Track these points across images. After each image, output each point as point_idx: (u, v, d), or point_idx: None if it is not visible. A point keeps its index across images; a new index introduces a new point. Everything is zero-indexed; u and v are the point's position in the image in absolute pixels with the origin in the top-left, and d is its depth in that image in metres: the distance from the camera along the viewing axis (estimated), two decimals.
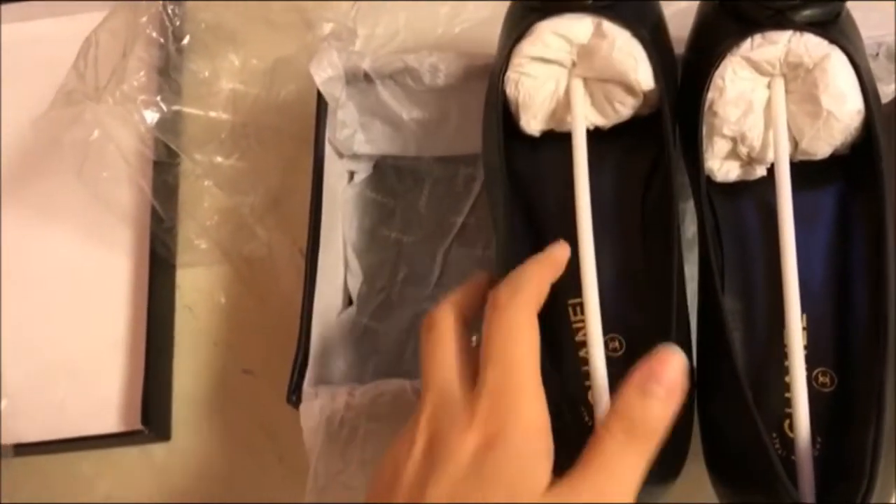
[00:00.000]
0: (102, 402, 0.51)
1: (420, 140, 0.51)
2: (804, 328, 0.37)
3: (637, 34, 0.38)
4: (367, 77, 0.48)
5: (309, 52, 0.49)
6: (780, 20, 0.37)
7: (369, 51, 0.54)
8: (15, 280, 0.55)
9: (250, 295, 0.53)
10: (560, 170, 0.39)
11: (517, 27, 0.39)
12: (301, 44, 0.56)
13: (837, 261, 0.38)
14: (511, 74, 0.39)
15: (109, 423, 0.51)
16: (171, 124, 0.53)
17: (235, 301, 0.54)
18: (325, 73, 0.47)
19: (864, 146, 0.37)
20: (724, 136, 0.38)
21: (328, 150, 0.49)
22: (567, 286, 0.36)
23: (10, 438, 0.50)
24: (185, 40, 0.57)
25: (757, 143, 0.38)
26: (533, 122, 0.40)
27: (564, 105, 0.39)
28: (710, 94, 0.38)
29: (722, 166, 0.39)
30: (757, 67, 0.38)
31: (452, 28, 0.56)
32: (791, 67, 0.37)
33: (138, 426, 0.48)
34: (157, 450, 0.51)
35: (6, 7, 0.60)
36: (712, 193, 0.39)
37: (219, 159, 0.55)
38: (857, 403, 0.35)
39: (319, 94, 0.47)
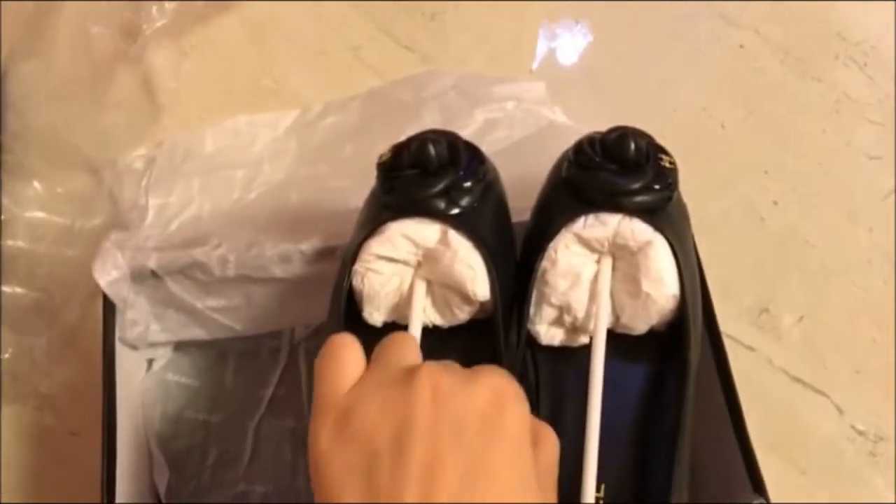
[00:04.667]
0: None
1: (218, 324, 0.50)
2: (600, 498, 0.39)
3: (479, 245, 0.40)
4: (154, 274, 0.47)
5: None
6: (614, 203, 0.40)
7: (161, 222, 0.53)
8: None
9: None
10: None
11: (370, 222, 0.41)
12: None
13: (642, 431, 0.41)
14: (358, 268, 0.40)
15: None
16: None
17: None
18: (110, 275, 0.46)
19: (678, 326, 0.40)
20: (551, 305, 0.41)
21: (120, 347, 0.47)
22: None
23: None
24: None
25: (581, 315, 0.41)
26: (376, 314, 0.41)
27: (407, 301, 0.41)
28: (543, 264, 0.40)
29: (548, 331, 0.41)
30: (587, 244, 0.41)
31: (248, 192, 0.56)
32: (618, 248, 0.40)
33: None
34: None
35: None
36: (537, 354, 0.42)
37: (7, 290, 0.53)
38: None
39: (105, 297, 0.46)
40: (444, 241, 0.40)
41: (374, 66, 0.61)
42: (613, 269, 0.41)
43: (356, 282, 0.40)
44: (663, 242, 0.40)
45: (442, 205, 0.40)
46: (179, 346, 0.52)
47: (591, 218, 0.40)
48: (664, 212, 0.41)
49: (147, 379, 0.50)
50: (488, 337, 0.41)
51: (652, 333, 0.41)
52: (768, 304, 0.55)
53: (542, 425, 0.33)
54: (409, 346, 0.34)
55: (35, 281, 0.54)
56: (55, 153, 0.54)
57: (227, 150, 0.58)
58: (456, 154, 0.42)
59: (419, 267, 0.41)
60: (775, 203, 0.58)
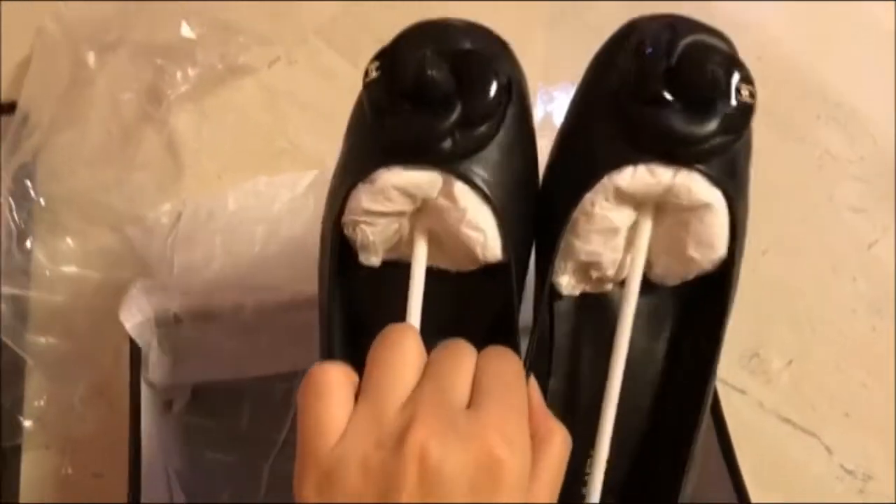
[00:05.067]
0: None
1: (235, 365, 0.53)
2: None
3: (492, 199, 0.33)
4: (176, 317, 0.50)
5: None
6: (673, 153, 0.33)
7: (185, 279, 0.57)
8: None
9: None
10: (402, 300, 0.35)
11: (358, 165, 0.34)
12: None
13: (659, 401, 0.38)
14: (346, 220, 0.35)
15: None
16: (11, 311, 0.54)
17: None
18: (135, 318, 0.49)
19: (718, 282, 0.35)
20: (578, 259, 0.36)
21: (145, 388, 0.51)
22: None
23: None
24: (29, 242, 0.59)
25: (610, 271, 0.36)
26: (373, 258, 0.36)
27: (409, 241, 0.35)
28: (576, 215, 0.34)
29: (570, 282, 0.37)
30: (631, 198, 0.34)
31: (268, 247, 0.60)
32: (666, 199, 0.34)
33: None
34: None
35: None
36: (555, 302, 0.38)
37: (43, 340, 0.56)
38: None
39: (132, 339, 0.50)
40: (448, 194, 0.33)
41: None
42: (655, 220, 0.35)
43: (347, 231, 0.35)
44: (722, 203, 0.33)
45: (446, 148, 0.32)
46: (198, 388, 0.55)
47: (641, 168, 0.33)
48: (729, 160, 0.33)
49: (168, 419, 0.53)
50: (501, 283, 0.35)
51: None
52: (759, 349, 0.58)
53: (553, 426, 0.31)
54: (407, 359, 0.30)
55: (70, 332, 0.57)
56: (89, 212, 0.59)
57: (249, 209, 0.62)
58: (465, 76, 0.33)
59: (420, 213, 0.35)
60: (764, 253, 0.61)
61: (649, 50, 0.33)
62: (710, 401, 0.36)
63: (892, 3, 0.70)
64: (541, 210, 0.36)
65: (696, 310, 0.38)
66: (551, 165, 0.37)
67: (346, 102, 0.37)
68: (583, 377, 0.38)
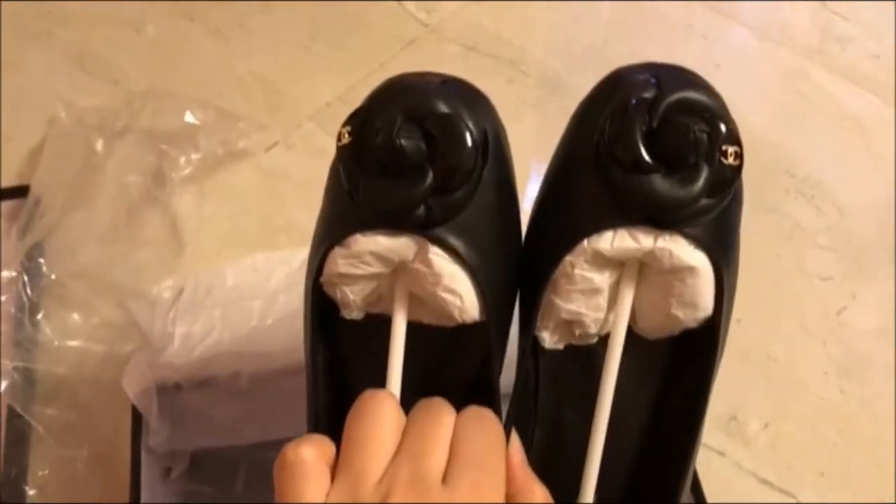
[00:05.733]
0: None
1: (232, 432, 0.56)
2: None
3: (468, 264, 0.33)
4: (176, 385, 0.53)
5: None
6: (654, 220, 0.32)
7: (185, 350, 0.60)
8: None
9: None
10: (386, 352, 0.34)
11: (332, 228, 0.34)
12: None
13: (648, 441, 0.37)
14: (325, 281, 0.35)
15: None
16: (20, 381, 0.57)
17: None
18: (137, 386, 0.52)
19: (703, 338, 0.35)
20: (560, 317, 0.35)
21: (146, 455, 0.53)
22: None
23: None
24: (39, 315, 0.61)
25: (593, 329, 0.35)
26: (354, 314, 0.36)
27: (389, 297, 0.35)
28: (556, 276, 0.34)
29: (552, 339, 0.36)
30: (612, 261, 0.34)
31: (265, 320, 0.62)
32: (649, 264, 0.34)
33: None
34: None
35: None
36: (539, 355, 0.37)
37: (49, 410, 0.59)
38: None
39: (133, 407, 0.52)
40: (423, 259, 0.33)
41: None
42: (639, 279, 0.34)
43: (327, 289, 0.35)
44: (707, 265, 0.33)
45: (420, 216, 0.32)
46: (196, 455, 0.57)
47: (621, 232, 0.32)
48: (715, 221, 0.33)
49: (167, 486, 0.56)
50: (481, 340, 0.35)
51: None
52: (736, 412, 0.60)
53: (533, 486, 0.31)
54: (383, 430, 0.30)
55: (74, 402, 0.60)
56: (96, 287, 0.62)
57: (246, 284, 0.65)
58: (439, 141, 0.32)
59: (399, 272, 0.34)
60: (739, 321, 0.64)
61: (631, 110, 0.32)
62: (696, 454, 0.35)
63: (851, 84, 0.74)
64: (523, 265, 0.36)
65: (682, 363, 0.37)
66: (533, 221, 0.37)
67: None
68: (568, 427, 0.37)
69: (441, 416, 0.31)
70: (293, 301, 0.63)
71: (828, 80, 0.76)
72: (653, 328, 0.35)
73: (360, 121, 0.32)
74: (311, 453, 0.29)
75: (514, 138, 0.37)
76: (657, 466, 0.37)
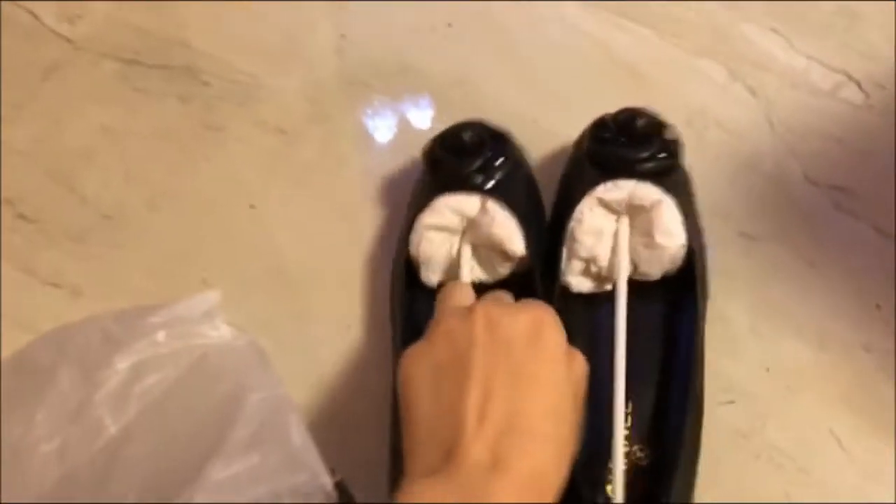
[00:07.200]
0: None
1: None
2: (628, 413, 0.49)
3: (514, 210, 0.49)
4: None
5: None
6: (628, 170, 0.49)
7: None
8: None
9: None
10: None
11: (420, 200, 0.51)
12: None
13: (661, 360, 0.50)
14: (413, 237, 0.49)
15: None
16: None
17: None
18: None
19: (686, 270, 0.49)
20: (580, 258, 0.50)
21: None
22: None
23: None
24: None
25: (605, 265, 0.49)
26: (432, 276, 0.51)
27: (457, 263, 0.50)
28: (571, 224, 0.49)
29: (578, 281, 0.51)
30: (608, 206, 0.49)
31: None
32: (633, 208, 0.49)
33: None
34: None
35: None
36: (570, 302, 0.50)
37: None
38: (664, 474, 0.46)
39: None
40: (483, 209, 0.49)
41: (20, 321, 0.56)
42: (630, 226, 0.49)
43: (412, 250, 0.50)
44: (670, 202, 0.48)
45: (479, 179, 0.49)
46: None
47: (609, 184, 0.49)
48: (670, 177, 0.50)
49: None
50: (528, 290, 0.48)
51: (665, 280, 0.50)
52: None
53: (574, 349, 0.42)
54: (463, 290, 0.46)
55: None
56: None
57: None
58: (484, 138, 0.51)
59: (464, 234, 0.50)
60: None
61: (600, 119, 0.52)
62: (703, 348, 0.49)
63: None
64: (550, 236, 0.51)
65: (678, 297, 0.51)
66: (553, 204, 0.53)
67: None
68: (592, 364, 0.44)
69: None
70: None
71: None
72: (649, 266, 0.49)
73: (437, 135, 0.52)
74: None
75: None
76: (672, 383, 0.50)
